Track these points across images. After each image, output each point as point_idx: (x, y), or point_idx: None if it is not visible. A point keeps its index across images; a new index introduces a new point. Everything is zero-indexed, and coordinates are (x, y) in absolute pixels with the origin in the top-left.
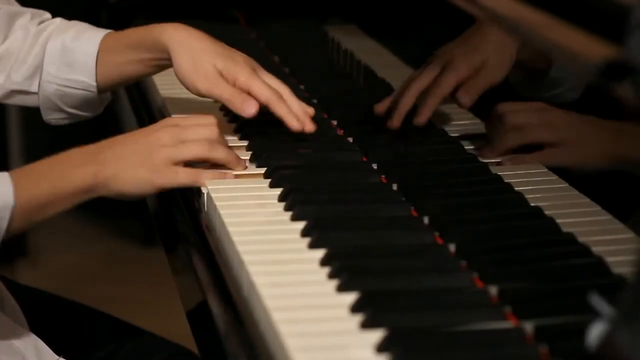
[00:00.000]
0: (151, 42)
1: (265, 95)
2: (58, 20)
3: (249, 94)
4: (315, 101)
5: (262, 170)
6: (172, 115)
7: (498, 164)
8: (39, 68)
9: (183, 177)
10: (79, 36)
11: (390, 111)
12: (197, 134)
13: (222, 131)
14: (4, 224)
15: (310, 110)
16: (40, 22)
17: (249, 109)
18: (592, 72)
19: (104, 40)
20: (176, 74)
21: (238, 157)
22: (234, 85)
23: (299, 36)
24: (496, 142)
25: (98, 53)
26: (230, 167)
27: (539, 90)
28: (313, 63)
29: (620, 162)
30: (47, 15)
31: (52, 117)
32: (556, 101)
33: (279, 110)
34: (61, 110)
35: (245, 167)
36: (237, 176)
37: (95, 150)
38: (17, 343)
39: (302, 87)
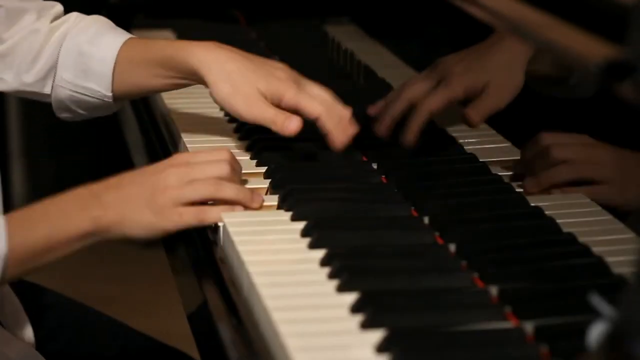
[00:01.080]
0: (179, 63)
1: (316, 109)
2: (74, 15)
3: (297, 110)
4: None
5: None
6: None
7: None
8: (52, 69)
9: (188, 218)
10: (96, 40)
11: (380, 114)
12: (205, 172)
13: (233, 151)
14: None
15: (348, 113)
16: (54, 18)
17: (291, 126)
18: (592, 72)
19: (124, 49)
20: (215, 100)
21: (251, 194)
22: (279, 104)
23: (299, 36)
24: (542, 176)
25: (116, 62)
26: (243, 205)
27: (557, 91)
28: (313, 63)
29: None
30: (58, 7)
31: (63, 115)
32: (570, 97)
33: (329, 124)
34: (73, 112)
35: (262, 203)
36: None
37: (97, 191)
38: (11, 354)
39: None
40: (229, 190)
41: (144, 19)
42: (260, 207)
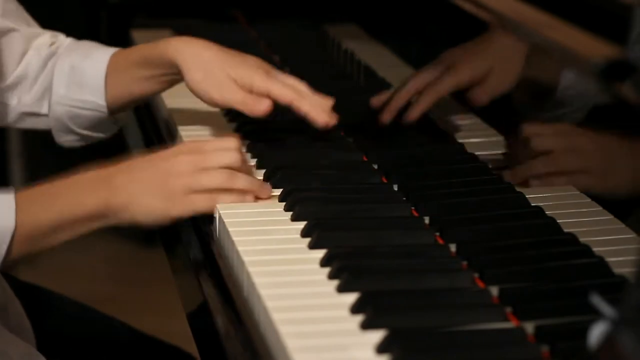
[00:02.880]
0: (158, 57)
1: (287, 94)
2: (68, 40)
3: (268, 97)
4: None
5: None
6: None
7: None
8: (48, 89)
9: (200, 204)
10: (87, 55)
11: (384, 106)
12: (217, 161)
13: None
14: (3, 248)
15: (330, 102)
16: (52, 44)
17: (261, 107)
18: (593, 72)
19: (112, 59)
20: (188, 87)
21: (261, 184)
22: (250, 91)
23: (299, 36)
24: (521, 167)
25: (107, 72)
26: (254, 195)
27: (544, 109)
28: (313, 63)
29: None
30: (62, 36)
31: (64, 140)
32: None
33: (304, 107)
34: (73, 132)
35: (270, 193)
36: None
37: (108, 174)
38: (13, 356)
39: None
40: (242, 180)
41: (144, 19)
42: (269, 198)
